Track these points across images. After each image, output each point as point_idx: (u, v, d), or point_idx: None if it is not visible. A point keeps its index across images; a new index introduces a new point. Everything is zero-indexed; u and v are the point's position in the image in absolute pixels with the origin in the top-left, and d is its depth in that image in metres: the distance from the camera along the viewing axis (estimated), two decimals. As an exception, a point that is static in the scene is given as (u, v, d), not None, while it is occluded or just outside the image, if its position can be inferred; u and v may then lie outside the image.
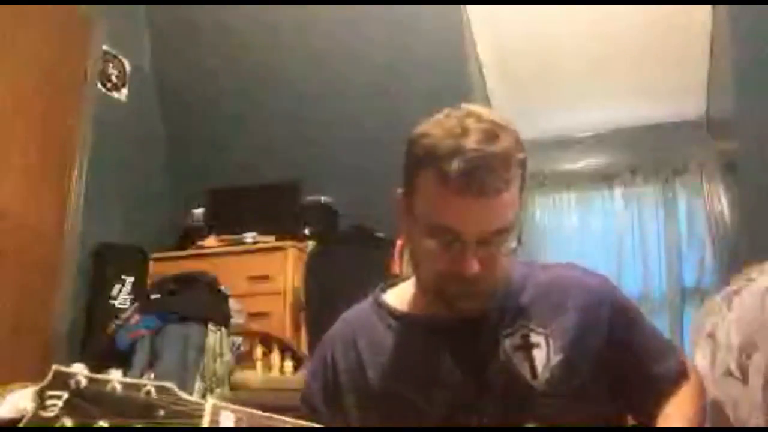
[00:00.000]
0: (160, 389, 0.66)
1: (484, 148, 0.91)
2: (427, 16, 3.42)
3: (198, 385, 2.49)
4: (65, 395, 0.62)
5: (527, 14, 3.51)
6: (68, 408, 0.62)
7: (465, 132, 0.92)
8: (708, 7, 3.40)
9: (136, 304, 2.83)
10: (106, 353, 2.58)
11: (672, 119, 4.30)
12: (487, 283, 0.97)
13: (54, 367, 0.64)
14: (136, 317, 2.68)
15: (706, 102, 4.16)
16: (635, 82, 4.00)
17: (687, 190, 4.45)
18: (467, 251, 0.93)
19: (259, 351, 2.72)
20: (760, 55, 2.84)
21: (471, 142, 0.91)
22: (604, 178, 4.62)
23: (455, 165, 0.90)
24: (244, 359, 2.74)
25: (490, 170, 0.90)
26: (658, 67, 3.82)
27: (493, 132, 0.92)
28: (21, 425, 0.61)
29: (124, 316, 2.74)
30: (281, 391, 2.24)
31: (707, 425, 1.06)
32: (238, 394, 2.48)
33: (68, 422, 0.61)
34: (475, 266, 0.93)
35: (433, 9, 3.40)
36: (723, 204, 4.10)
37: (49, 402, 0.62)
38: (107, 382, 0.65)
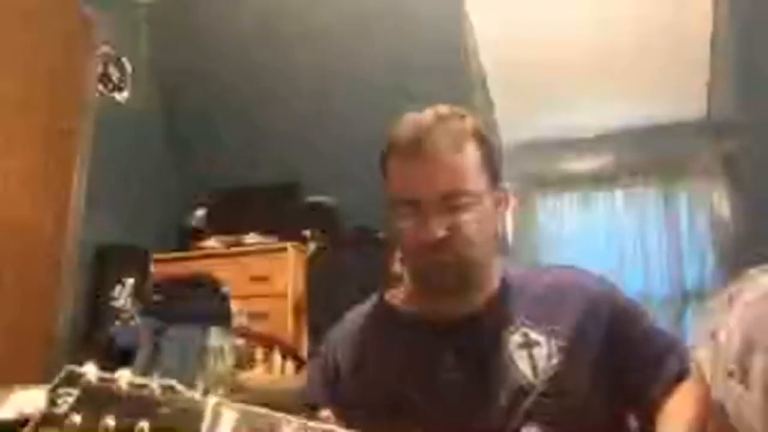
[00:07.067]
0: (165, 388, 0.71)
1: (429, 122, 1.02)
2: (428, 16, 3.42)
3: (199, 386, 2.49)
4: (75, 393, 0.67)
5: (528, 14, 3.51)
6: (78, 405, 0.66)
7: (419, 118, 1.05)
8: (708, 7, 3.40)
9: (137, 306, 2.83)
10: (107, 354, 2.58)
11: (672, 119, 4.30)
12: (456, 253, 0.99)
13: (66, 366, 0.69)
14: (137, 318, 2.68)
15: (706, 102, 4.16)
16: (635, 82, 3.99)
17: (688, 190, 4.44)
18: (427, 216, 0.98)
19: (260, 352, 2.72)
20: (760, 55, 2.84)
21: (420, 122, 1.03)
22: (605, 179, 4.62)
23: (401, 134, 1.03)
24: (245, 360, 2.74)
25: (434, 136, 1.00)
26: (659, 67, 3.81)
27: (441, 115, 1.04)
28: (33, 421, 0.65)
29: (124, 317, 2.74)
30: (282, 393, 2.24)
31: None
32: (239, 395, 2.48)
33: (77, 418, 0.65)
34: (435, 231, 0.97)
35: (434, 9, 3.40)
36: (723, 204, 4.09)
37: (60, 399, 0.66)
38: (115, 381, 0.69)
